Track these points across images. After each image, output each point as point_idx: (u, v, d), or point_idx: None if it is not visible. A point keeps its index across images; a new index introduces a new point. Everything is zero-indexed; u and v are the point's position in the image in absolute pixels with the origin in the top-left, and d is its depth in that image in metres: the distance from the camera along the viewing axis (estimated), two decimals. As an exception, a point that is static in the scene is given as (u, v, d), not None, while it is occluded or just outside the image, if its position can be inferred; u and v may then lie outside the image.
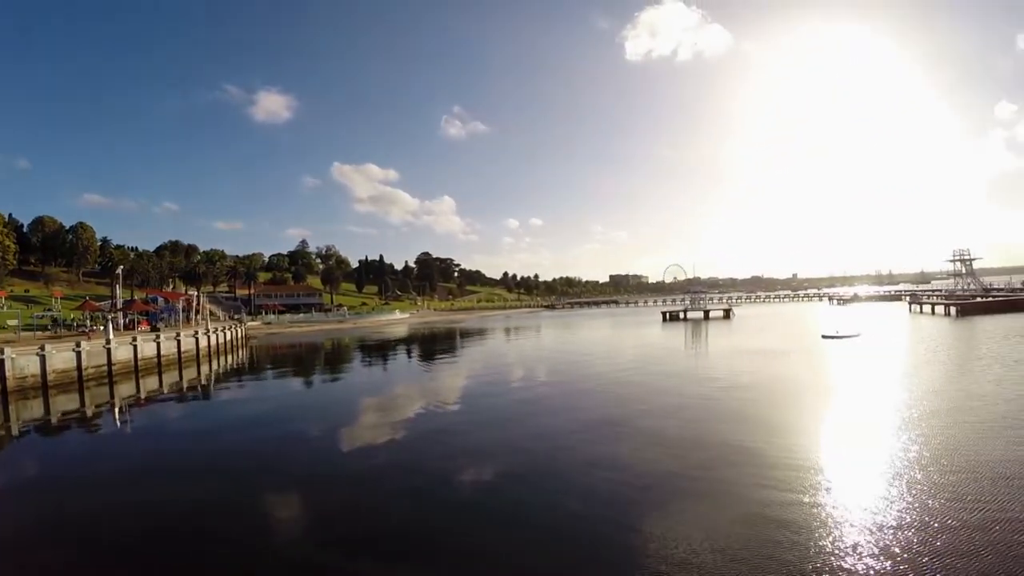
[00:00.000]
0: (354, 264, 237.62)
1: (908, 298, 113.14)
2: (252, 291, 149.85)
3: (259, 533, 14.15)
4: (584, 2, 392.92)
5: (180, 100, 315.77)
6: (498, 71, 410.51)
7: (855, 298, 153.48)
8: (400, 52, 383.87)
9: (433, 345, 71.96)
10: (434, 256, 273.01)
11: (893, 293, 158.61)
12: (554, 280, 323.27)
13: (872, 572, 11.00)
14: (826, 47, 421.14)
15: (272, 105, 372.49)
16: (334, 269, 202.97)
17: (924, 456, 18.10)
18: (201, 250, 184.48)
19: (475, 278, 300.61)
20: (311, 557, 12.83)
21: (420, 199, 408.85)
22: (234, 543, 13.52)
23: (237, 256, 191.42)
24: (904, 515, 13.52)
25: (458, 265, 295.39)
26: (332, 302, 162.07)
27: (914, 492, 14.95)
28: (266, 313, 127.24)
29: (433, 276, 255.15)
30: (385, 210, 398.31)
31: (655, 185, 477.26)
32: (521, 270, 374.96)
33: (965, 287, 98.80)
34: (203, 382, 43.12)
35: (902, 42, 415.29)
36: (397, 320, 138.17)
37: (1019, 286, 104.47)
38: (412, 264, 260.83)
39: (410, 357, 59.75)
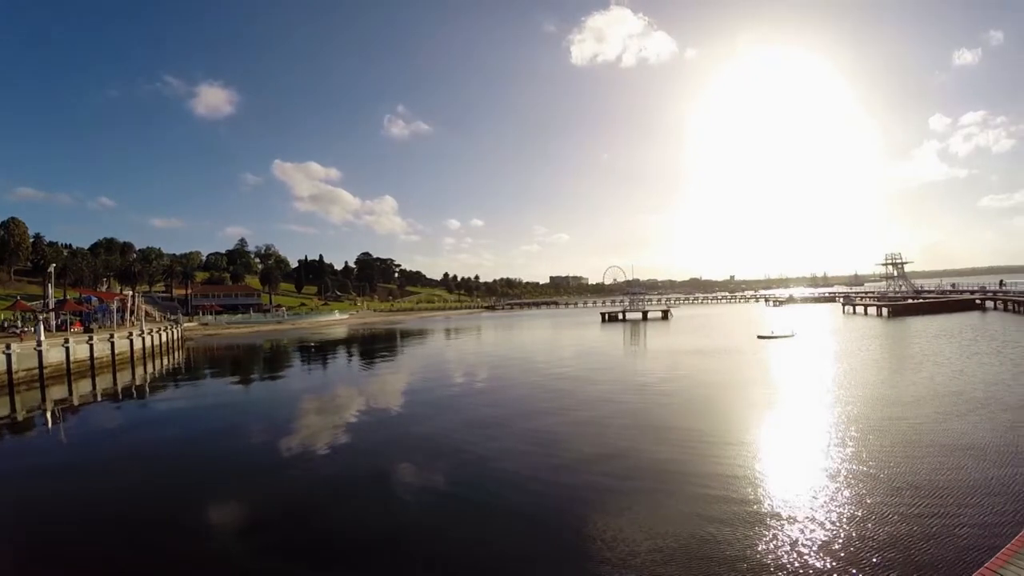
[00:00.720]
0: (294, 264, 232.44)
1: (842, 300, 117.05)
2: (189, 291, 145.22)
3: (193, 538, 14.05)
4: (532, 6, 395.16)
5: (119, 91, 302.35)
6: (443, 71, 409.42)
7: (790, 299, 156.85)
8: (345, 50, 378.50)
9: (373, 346, 71.26)
10: (374, 256, 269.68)
11: (827, 295, 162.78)
12: (495, 281, 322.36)
13: (814, 568, 11.16)
14: (767, 58, 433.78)
15: (214, 99, 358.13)
16: (273, 269, 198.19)
17: (862, 453, 18.46)
18: (137, 248, 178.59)
19: (415, 279, 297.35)
20: (244, 561, 12.87)
21: (361, 199, 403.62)
22: (165, 548, 13.44)
23: (174, 255, 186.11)
24: (844, 510, 13.83)
25: (398, 266, 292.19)
26: (271, 302, 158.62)
27: (853, 488, 15.27)
28: (203, 314, 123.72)
29: (373, 277, 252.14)
30: (326, 209, 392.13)
31: (596, 187, 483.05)
32: (462, 271, 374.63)
33: (897, 289, 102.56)
34: (138, 385, 41.76)
35: (842, 55, 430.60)
36: (336, 321, 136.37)
37: (948, 288, 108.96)
38: (352, 264, 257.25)
39: (350, 359, 59.09)
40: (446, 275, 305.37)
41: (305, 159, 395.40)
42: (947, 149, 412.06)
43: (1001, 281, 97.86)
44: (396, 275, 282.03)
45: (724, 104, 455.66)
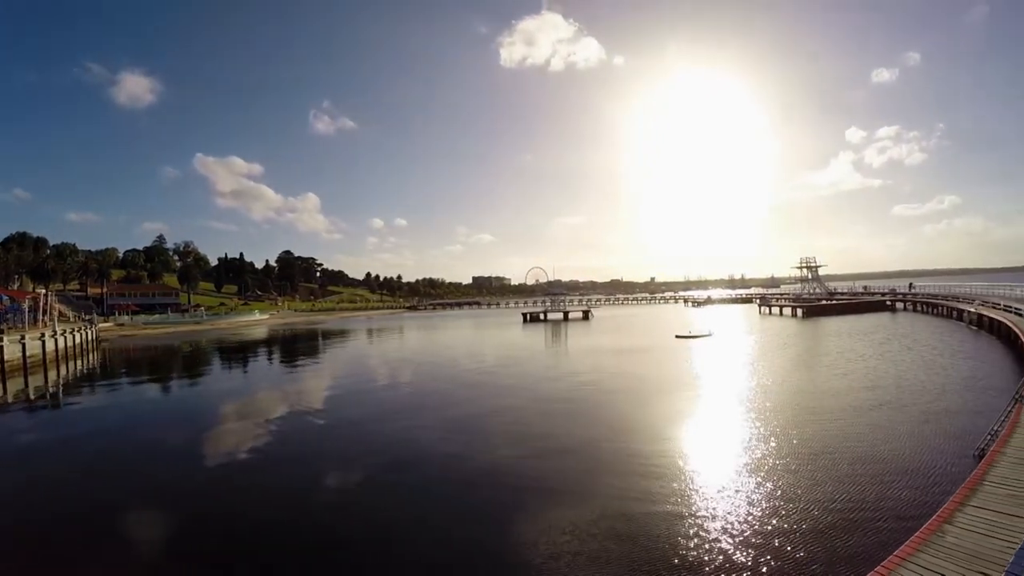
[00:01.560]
0: (213, 262, 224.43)
1: (758, 301, 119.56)
2: (105, 290, 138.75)
3: (109, 548, 13.79)
4: (465, 7, 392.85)
5: (36, 76, 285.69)
6: (371, 67, 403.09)
7: (709, 301, 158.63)
8: (271, 42, 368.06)
9: (294, 347, 69.92)
10: (296, 255, 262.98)
11: (745, 296, 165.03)
12: (417, 281, 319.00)
13: (735, 563, 11.34)
14: (693, 68, 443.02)
15: (136, 88, 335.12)
16: (192, 267, 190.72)
17: (780, 447, 18.80)
18: (51, 244, 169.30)
19: (337, 278, 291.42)
20: (160, 566, 12.81)
21: (284, 195, 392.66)
22: (73, 554, 13.42)
23: (90, 251, 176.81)
24: (765, 504, 14.11)
25: (320, 265, 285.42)
26: (189, 302, 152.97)
27: (773, 482, 15.57)
28: (119, 314, 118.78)
29: (294, 276, 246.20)
30: (248, 206, 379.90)
31: (520, 188, 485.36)
32: (384, 271, 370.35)
33: (811, 291, 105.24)
34: (52, 390, 40.28)
35: (766, 68, 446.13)
36: (257, 321, 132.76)
37: (861, 290, 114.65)
38: (273, 263, 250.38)
39: (271, 360, 57.67)
40: (368, 275, 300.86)
41: (227, 153, 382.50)
42: (862, 160, 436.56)
43: (911, 284, 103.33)
44: (318, 274, 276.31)
45: (650, 111, 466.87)
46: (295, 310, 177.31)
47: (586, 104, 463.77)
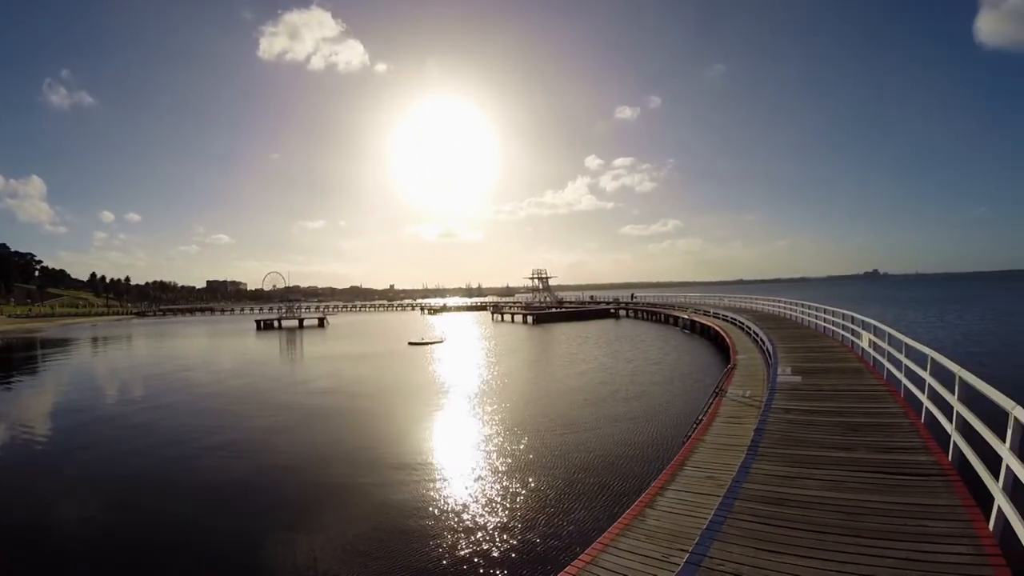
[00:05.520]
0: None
1: (491, 308, 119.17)
2: None
3: None
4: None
5: None
6: (118, 36, 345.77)
7: (445, 308, 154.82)
8: None
9: (10, 360, 59.73)
10: (12, 250, 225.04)
11: (479, 304, 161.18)
12: (147, 284, 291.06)
13: (486, 560, 10.70)
14: (451, 86, 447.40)
15: None
16: None
17: (517, 442, 18.59)
18: None
19: (59, 279, 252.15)
20: None
21: (5, 176, 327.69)
22: None
23: None
24: (502, 497, 13.84)
25: (40, 262, 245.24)
26: None
27: (506, 476, 15.38)
28: None
29: (10, 275, 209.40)
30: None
31: (262, 188, 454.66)
32: (112, 271, 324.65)
33: (541, 300, 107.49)
34: None
35: (519, 94, 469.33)
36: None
37: (588, 299, 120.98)
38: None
39: None
40: (93, 276, 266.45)
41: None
42: (598, 184, 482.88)
43: (632, 294, 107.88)
44: (37, 274, 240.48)
45: (405, 122, 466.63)
46: (8, 315, 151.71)
47: (341, 108, 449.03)
